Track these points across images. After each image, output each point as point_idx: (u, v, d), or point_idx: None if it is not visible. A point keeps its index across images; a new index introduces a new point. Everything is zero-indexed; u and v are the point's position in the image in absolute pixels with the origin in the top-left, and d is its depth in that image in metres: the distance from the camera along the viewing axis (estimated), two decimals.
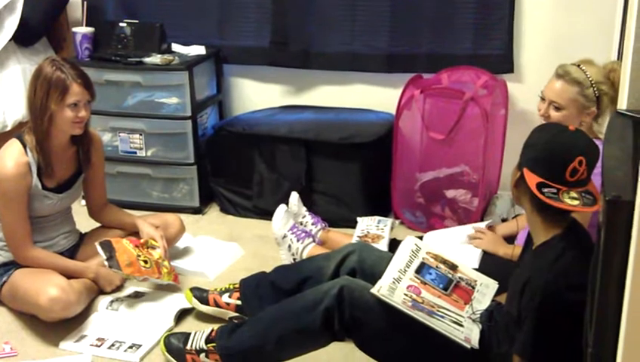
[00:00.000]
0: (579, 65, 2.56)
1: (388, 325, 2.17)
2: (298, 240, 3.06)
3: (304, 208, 3.29)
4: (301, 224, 3.21)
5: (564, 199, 1.89)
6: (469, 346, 2.10)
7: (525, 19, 3.59)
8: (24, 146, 2.72)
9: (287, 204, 3.21)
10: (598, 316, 1.44)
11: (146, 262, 2.88)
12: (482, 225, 3.04)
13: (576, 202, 1.89)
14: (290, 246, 3.06)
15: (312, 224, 3.23)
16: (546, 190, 1.90)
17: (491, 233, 2.89)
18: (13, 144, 2.74)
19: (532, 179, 1.92)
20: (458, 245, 2.87)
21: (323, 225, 3.26)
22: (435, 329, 2.11)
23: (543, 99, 2.61)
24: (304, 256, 3.00)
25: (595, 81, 2.52)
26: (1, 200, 2.72)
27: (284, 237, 3.09)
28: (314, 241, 3.08)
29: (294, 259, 3.03)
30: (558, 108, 2.55)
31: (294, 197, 3.27)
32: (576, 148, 1.92)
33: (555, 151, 1.93)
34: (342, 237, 3.18)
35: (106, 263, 2.81)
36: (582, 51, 2.88)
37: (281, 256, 3.10)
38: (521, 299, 1.93)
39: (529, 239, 2.14)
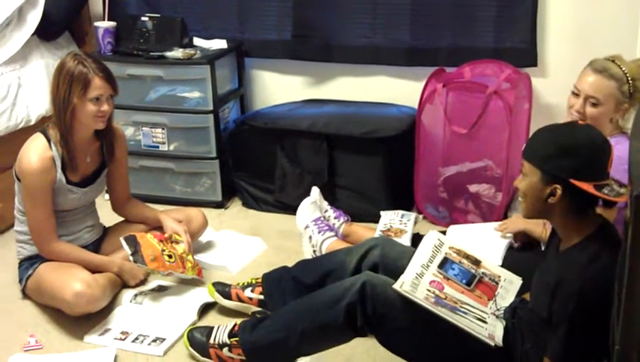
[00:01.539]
0: (613, 60, 2.50)
1: (411, 321, 2.16)
2: (319, 232, 3.05)
3: (326, 203, 3.29)
4: (324, 218, 3.21)
5: (621, 193, 1.87)
6: (492, 343, 2.08)
7: (549, 12, 3.55)
8: (48, 141, 2.74)
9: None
10: (624, 313, 1.42)
11: (170, 256, 2.89)
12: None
13: (623, 190, 1.88)
14: (311, 237, 3.06)
15: (335, 218, 3.23)
16: (605, 190, 1.87)
17: (515, 215, 2.85)
18: (38, 138, 2.75)
19: (587, 187, 1.87)
20: (482, 240, 2.85)
21: (346, 218, 3.25)
22: (458, 325, 2.09)
23: (576, 94, 2.54)
24: (323, 249, 3.00)
25: (631, 77, 2.46)
26: (27, 195, 2.74)
27: (307, 227, 3.09)
28: (335, 236, 3.07)
29: (314, 252, 3.02)
30: (595, 105, 2.48)
31: (315, 191, 3.27)
32: (606, 140, 1.92)
33: (593, 147, 1.90)
34: (365, 231, 3.17)
35: (130, 258, 2.82)
36: (606, 44, 2.85)
37: (303, 248, 3.09)
38: (551, 299, 1.91)
39: (554, 234, 2.11)
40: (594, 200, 1.93)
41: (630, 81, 2.46)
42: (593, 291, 1.84)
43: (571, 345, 1.87)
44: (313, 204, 3.17)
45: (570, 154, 1.89)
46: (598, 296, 1.83)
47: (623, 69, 2.47)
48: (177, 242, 3.00)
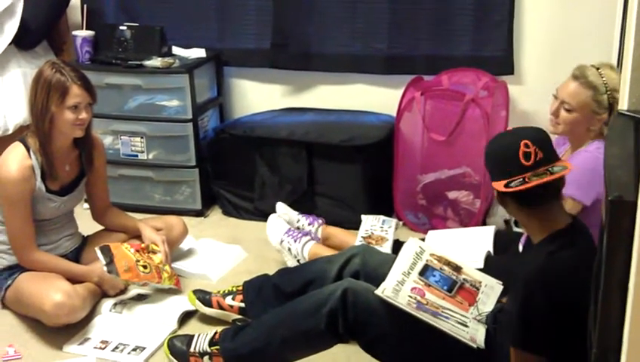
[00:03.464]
0: (598, 69, 2.50)
1: (392, 327, 2.17)
2: (295, 241, 3.06)
3: (295, 213, 3.30)
4: (298, 229, 3.21)
5: (531, 180, 1.93)
6: (474, 345, 2.10)
7: (525, 21, 3.59)
8: (27, 149, 2.73)
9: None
10: (601, 316, 1.44)
11: (145, 267, 2.87)
12: (486, 228, 3.03)
13: (545, 177, 1.94)
14: (289, 249, 3.07)
15: (309, 224, 3.24)
16: (512, 183, 1.95)
17: None
18: (17, 147, 2.74)
19: (499, 186, 1.98)
20: (462, 245, 2.87)
21: (320, 221, 3.26)
22: (440, 329, 2.11)
23: (555, 97, 2.57)
24: (305, 254, 3.00)
25: (610, 88, 2.44)
26: (6, 204, 2.73)
27: (282, 242, 3.09)
28: (312, 239, 3.08)
29: (298, 261, 3.03)
30: (568, 110, 2.51)
31: (280, 206, 3.29)
32: (515, 136, 2.01)
33: (499, 150, 2.03)
34: (344, 233, 3.19)
35: (105, 268, 2.81)
36: (582, 52, 2.89)
37: (287, 264, 3.08)
38: (516, 292, 1.95)
39: (529, 243, 2.15)
40: (533, 194, 1.97)
41: (609, 92, 2.45)
42: (549, 278, 1.89)
43: (526, 329, 1.90)
44: (278, 218, 3.19)
45: (485, 160, 2.07)
46: (553, 283, 1.88)
47: (604, 78, 2.47)
48: (155, 252, 2.99)
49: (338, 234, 3.21)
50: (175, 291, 3.00)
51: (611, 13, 3.31)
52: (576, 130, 2.53)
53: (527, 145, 1.95)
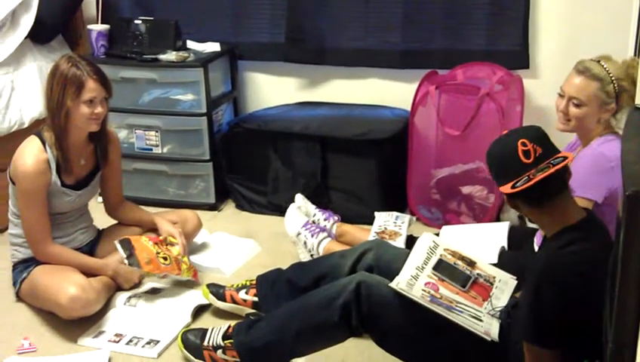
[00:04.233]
0: (599, 61, 2.52)
1: (406, 320, 2.17)
2: (312, 236, 3.06)
3: (312, 206, 3.29)
4: (314, 223, 3.21)
5: (536, 176, 1.93)
6: (489, 339, 2.10)
7: (541, 15, 3.57)
8: (43, 143, 2.74)
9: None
10: (617, 312, 1.43)
11: (165, 258, 2.89)
12: (500, 224, 3.02)
13: (548, 170, 1.93)
14: (305, 242, 3.07)
15: (325, 220, 3.24)
16: (518, 183, 1.95)
17: None
18: (33, 141, 2.76)
19: (506, 189, 1.98)
20: (476, 240, 2.86)
21: (336, 218, 3.26)
22: (455, 321, 2.11)
23: (561, 95, 2.57)
24: (320, 251, 3.01)
25: (615, 77, 2.47)
26: (21, 197, 2.74)
27: (299, 234, 3.09)
28: (329, 236, 3.08)
29: (312, 256, 3.03)
30: (578, 105, 2.51)
31: (299, 198, 3.28)
32: (511, 138, 2.01)
33: (499, 155, 2.03)
34: (358, 231, 3.18)
35: (125, 261, 2.82)
36: (598, 46, 2.86)
37: (300, 256, 3.09)
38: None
39: (544, 240, 2.15)
40: (541, 191, 1.96)
41: (614, 81, 2.47)
42: (560, 269, 1.89)
43: (540, 322, 1.89)
44: (298, 209, 3.18)
45: (489, 166, 2.09)
46: (568, 277, 1.87)
47: (607, 69, 2.48)
48: (172, 244, 3.00)
49: (353, 231, 3.20)
50: (193, 283, 3.01)
51: (627, 7, 3.29)
52: (587, 124, 2.54)
53: (524, 144, 1.97)
